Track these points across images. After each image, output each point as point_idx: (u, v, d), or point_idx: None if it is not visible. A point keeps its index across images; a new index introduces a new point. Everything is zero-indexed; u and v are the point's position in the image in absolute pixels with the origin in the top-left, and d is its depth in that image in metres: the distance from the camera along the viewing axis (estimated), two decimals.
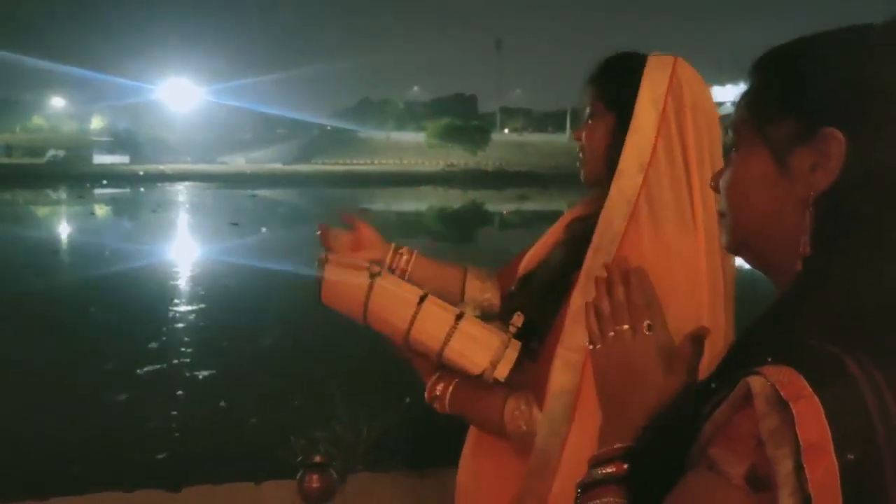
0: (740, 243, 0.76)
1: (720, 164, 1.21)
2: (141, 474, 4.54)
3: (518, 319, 1.25)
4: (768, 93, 0.72)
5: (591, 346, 0.85)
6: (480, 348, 1.21)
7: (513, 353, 1.21)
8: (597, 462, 0.79)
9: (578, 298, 1.17)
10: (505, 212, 31.75)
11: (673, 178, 1.18)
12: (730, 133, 0.77)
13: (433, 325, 1.23)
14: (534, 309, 1.29)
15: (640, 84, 1.21)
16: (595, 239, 1.19)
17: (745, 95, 0.75)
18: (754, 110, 0.73)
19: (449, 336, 1.22)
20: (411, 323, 1.24)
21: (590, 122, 1.32)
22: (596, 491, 0.77)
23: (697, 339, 0.82)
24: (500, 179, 54.70)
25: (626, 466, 0.76)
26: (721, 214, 0.77)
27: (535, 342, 1.27)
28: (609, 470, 0.76)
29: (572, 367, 1.16)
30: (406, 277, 1.47)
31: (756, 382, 0.57)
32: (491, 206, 33.96)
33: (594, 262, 1.17)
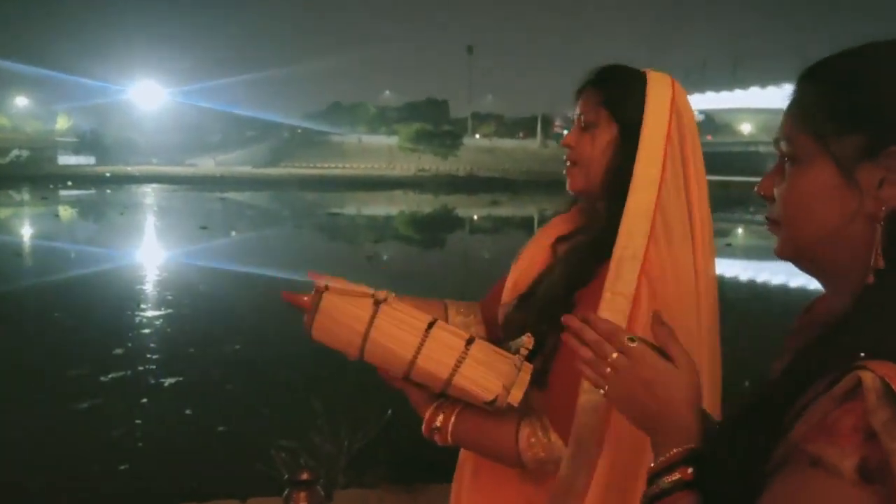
0: (798, 252, 0.77)
1: (703, 177, 1.28)
2: (105, 485, 4.44)
3: (529, 341, 1.18)
4: (831, 107, 0.72)
5: (601, 392, 0.85)
6: (493, 373, 1.16)
7: (525, 376, 1.17)
8: (658, 472, 0.77)
9: (606, 313, 1.16)
10: (476, 217, 31.79)
11: (677, 192, 1.24)
12: (781, 144, 0.77)
13: (442, 352, 1.17)
14: (539, 330, 1.24)
15: (646, 100, 1.26)
16: (617, 251, 1.20)
17: (799, 107, 0.76)
18: (815, 123, 0.73)
19: (459, 362, 1.16)
20: (418, 351, 1.17)
21: (590, 130, 1.30)
22: (665, 501, 0.75)
23: (658, 318, 0.84)
24: (471, 184, 54.85)
25: (691, 470, 0.75)
26: (775, 223, 0.79)
27: (539, 364, 1.23)
28: (676, 477, 0.75)
29: None
30: None
31: (867, 377, 0.60)
32: (462, 212, 33.99)
33: (618, 274, 1.19)
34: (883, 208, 0.69)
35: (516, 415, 1.19)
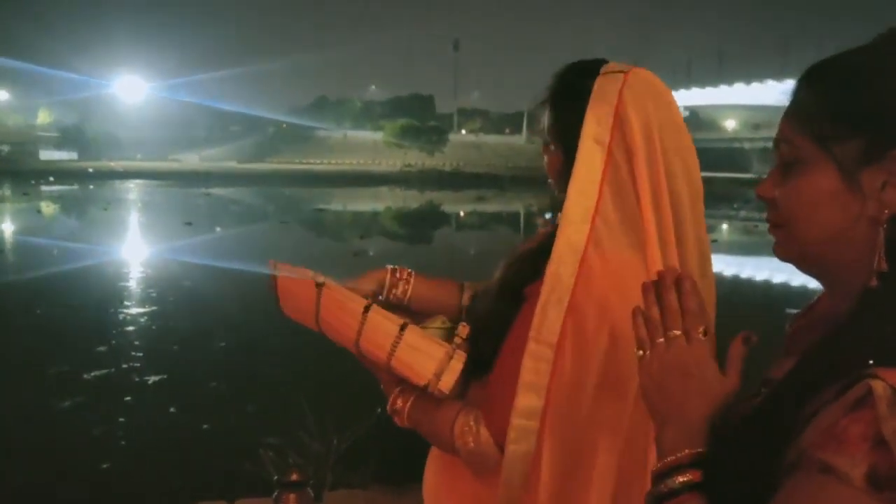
0: (800, 255, 0.77)
1: (695, 169, 1.20)
2: (88, 484, 4.40)
3: (463, 331, 1.21)
4: (833, 109, 0.72)
5: (639, 353, 0.83)
6: (425, 359, 1.18)
7: (457, 364, 1.18)
8: (665, 471, 0.76)
9: (529, 362, 1.14)
10: (462, 213, 31.77)
11: (624, 215, 1.15)
12: (781, 146, 0.77)
13: (379, 336, 1.20)
14: (483, 325, 1.26)
15: (585, 118, 1.15)
16: (543, 295, 1.15)
17: (799, 109, 0.75)
18: (816, 126, 0.73)
19: (394, 346, 1.19)
20: (358, 333, 1.21)
21: (547, 150, 1.27)
22: (672, 501, 0.74)
23: (747, 340, 0.81)
24: (457, 180, 54.88)
25: (700, 473, 0.74)
26: (776, 225, 0.78)
27: (490, 355, 1.23)
28: (685, 478, 0.74)
29: (525, 434, 1.14)
30: (407, 297, 1.45)
31: (878, 386, 0.60)
32: (448, 207, 33.98)
33: (543, 320, 1.14)
34: (886, 211, 0.69)
35: (459, 403, 1.22)
